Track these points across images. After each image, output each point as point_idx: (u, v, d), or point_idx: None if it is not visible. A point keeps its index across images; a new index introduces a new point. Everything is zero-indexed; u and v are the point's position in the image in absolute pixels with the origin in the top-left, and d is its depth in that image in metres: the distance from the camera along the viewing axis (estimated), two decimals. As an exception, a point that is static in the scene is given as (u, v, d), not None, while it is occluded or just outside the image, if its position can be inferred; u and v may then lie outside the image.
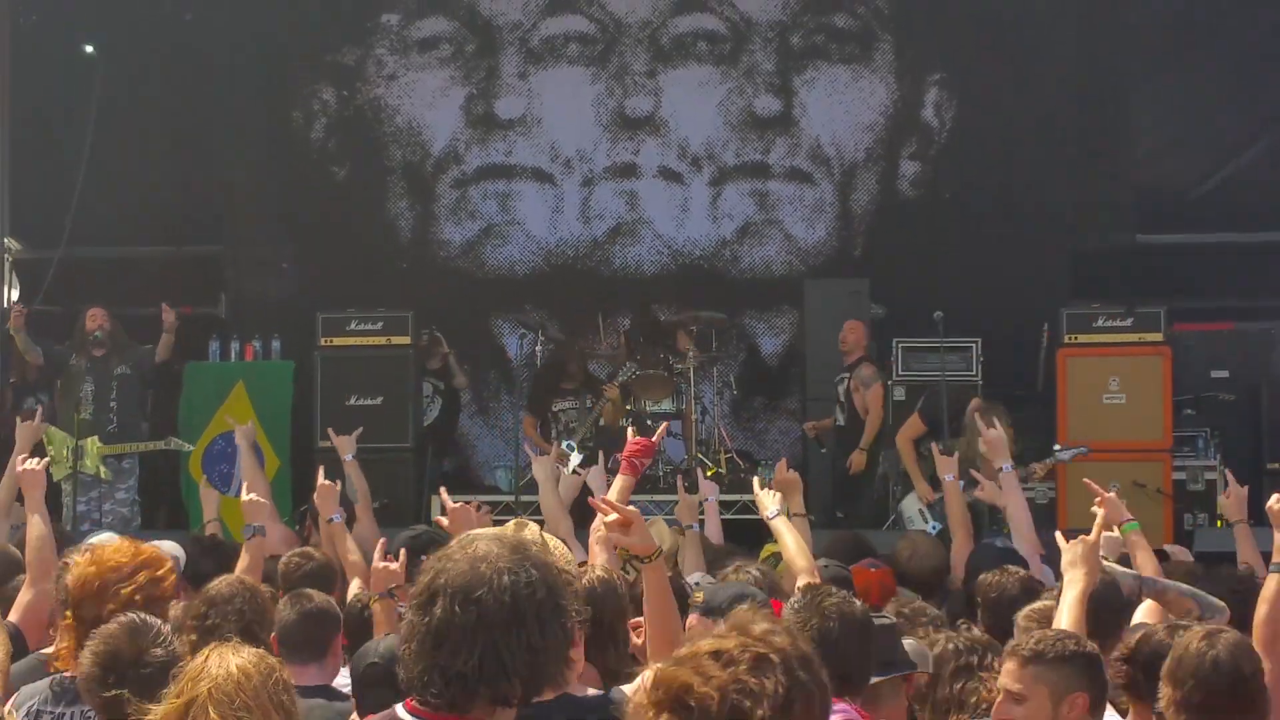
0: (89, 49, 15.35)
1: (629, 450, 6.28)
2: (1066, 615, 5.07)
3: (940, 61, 15.92)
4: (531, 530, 5.50)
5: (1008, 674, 4.34)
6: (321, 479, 8.01)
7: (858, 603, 4.82)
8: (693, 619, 5.10)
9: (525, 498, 13.23)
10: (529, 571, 3.23)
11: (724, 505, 13.01)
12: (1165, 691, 4.36)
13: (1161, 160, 15.74)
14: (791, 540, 6.47)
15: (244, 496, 7.65)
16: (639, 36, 16.09)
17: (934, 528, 11.48)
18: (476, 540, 3.30)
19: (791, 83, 16.03)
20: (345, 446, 10.16)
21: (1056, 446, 12.48)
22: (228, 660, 3.85)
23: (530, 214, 16.22)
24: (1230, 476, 7.82)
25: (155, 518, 13.84)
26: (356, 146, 16.25)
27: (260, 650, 4.04)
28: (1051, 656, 4.29)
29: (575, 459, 12.58)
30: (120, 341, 13.43)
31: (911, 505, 12.29)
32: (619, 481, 6.25)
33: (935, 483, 11.89)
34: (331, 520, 7.78)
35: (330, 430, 10.80)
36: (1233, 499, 7.65)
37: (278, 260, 15.77)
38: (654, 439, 6.57)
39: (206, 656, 3.90)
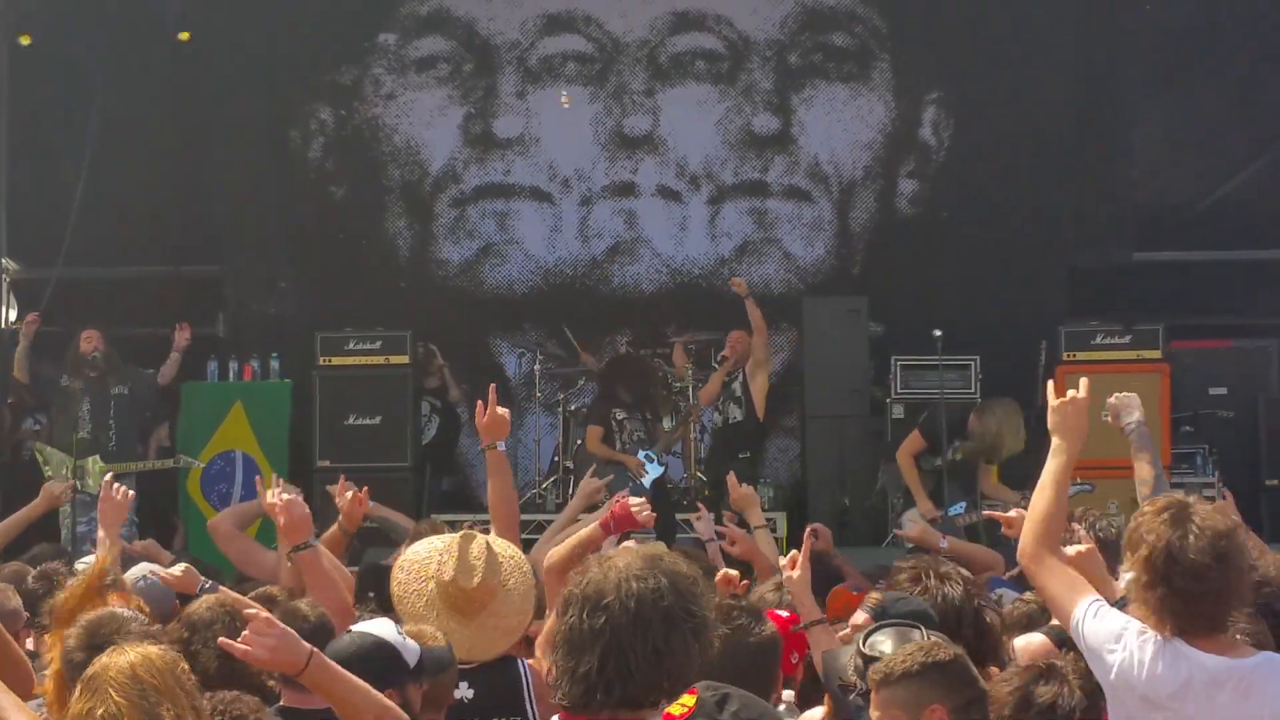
0: (87, 69, 15.32)
1: (617, 511, 6.10)
2: (1047, 491, 4.94)
3: (938, 80, 15.94)
4: (478, 542, 5.54)
5: (872, 703, 4.25)
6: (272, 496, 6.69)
7: None
8: (864, 619, 5.07)
9: (525, 516, 13.22)
10: (658, 579, 3.36)
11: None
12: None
13: (1159, 178, 15.76)
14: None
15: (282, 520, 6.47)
16: (637, 55, 16.10)
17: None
18: (615, 555, 3.47)
19: (789, 101, 16.04)
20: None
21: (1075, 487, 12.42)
22: (128, 653, 4.00)
23: (529, 233, 16.21)
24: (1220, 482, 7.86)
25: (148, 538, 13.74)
26: (355, 166, 16.24)
27: (164, 646, 4.18)
28: (899, 675, 4.15)
29: (654, 470, 12.62)
30: (115, 363, 13.37)
31: (911, 521, 12.26)
32: (589, 532, 6.04)
33: (937, 499, 11.93)
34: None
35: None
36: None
37: (276, 280, 15.76)
38: (643, 518, 6.20)
39: (109, 653, 4.03)
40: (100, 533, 7.07)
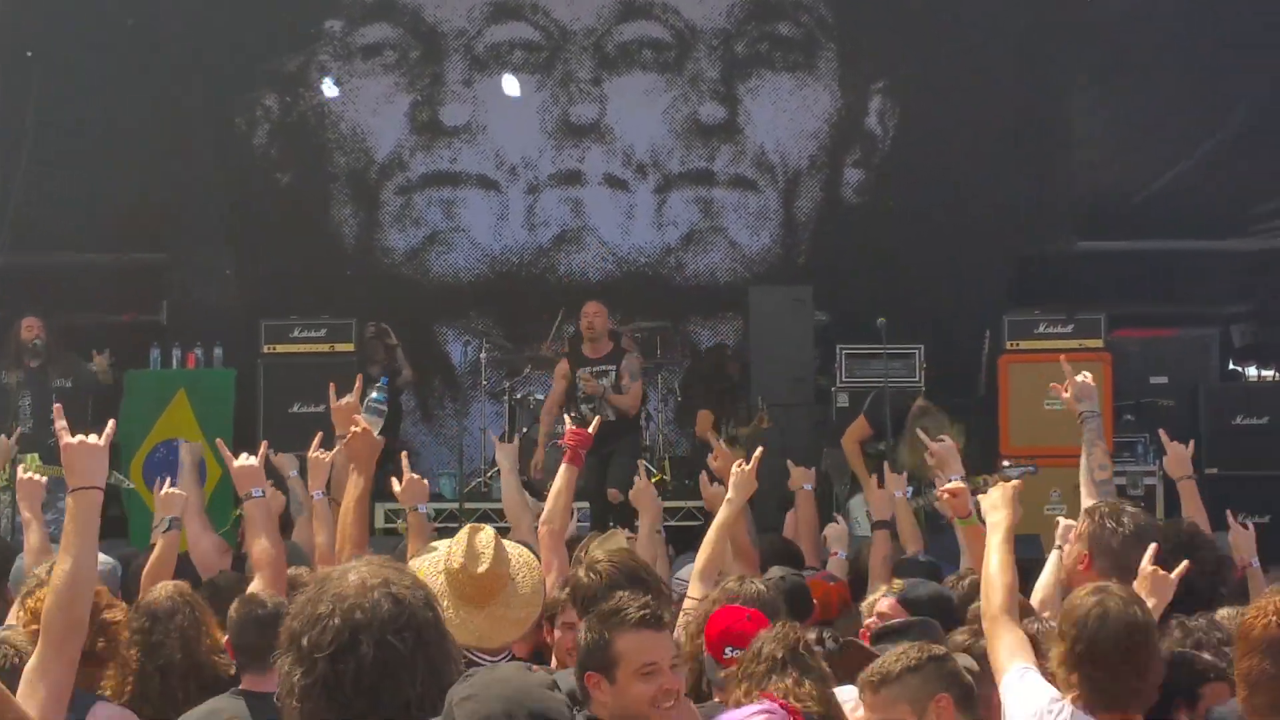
0: (28, 54, 15.21)
1: (569, 440, 6.64)
2: (995, 558, 5.04)
3: (883, 69, 16.00)
4: (486, 533, 5.55)
5: (866, 707, 4.35)
6: (236, 461, 7.03)
7: None
8: (889, 604, 5.29)
9: (470, 505, 13.24)
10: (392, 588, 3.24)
11: (669, 512, 13.07)
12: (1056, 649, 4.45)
13: (1102, 167, 15.86)
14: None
15: (163, 490, 7.34)
16: (584, 44, 16.10)
17: None
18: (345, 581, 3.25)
19: (736, 90, 16.08)
20: (288, 465, 9.89)
21: (1005, 463, 12.51)
22: None
23: (475, 221, 16.20)
24: (1164, 436, 7.85)
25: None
26: (300, 153, 16.19)
27: None
28: (899, 672, 4.28)
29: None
30: (56, 354, 13.25)
31: (859, 507, 12.31)
32: (563, 472, 6.59)
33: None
34: (251, 496, 6.81)
35: (270, 451, 10.13)
36: (1173, 457, 7.70)
37: (220, 267, 15.67)
38: (590, 430, 7.01)
39: None
40: (25, 514, 7.07)
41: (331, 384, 7.45)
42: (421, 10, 16.14)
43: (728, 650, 5.04)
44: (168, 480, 7.55)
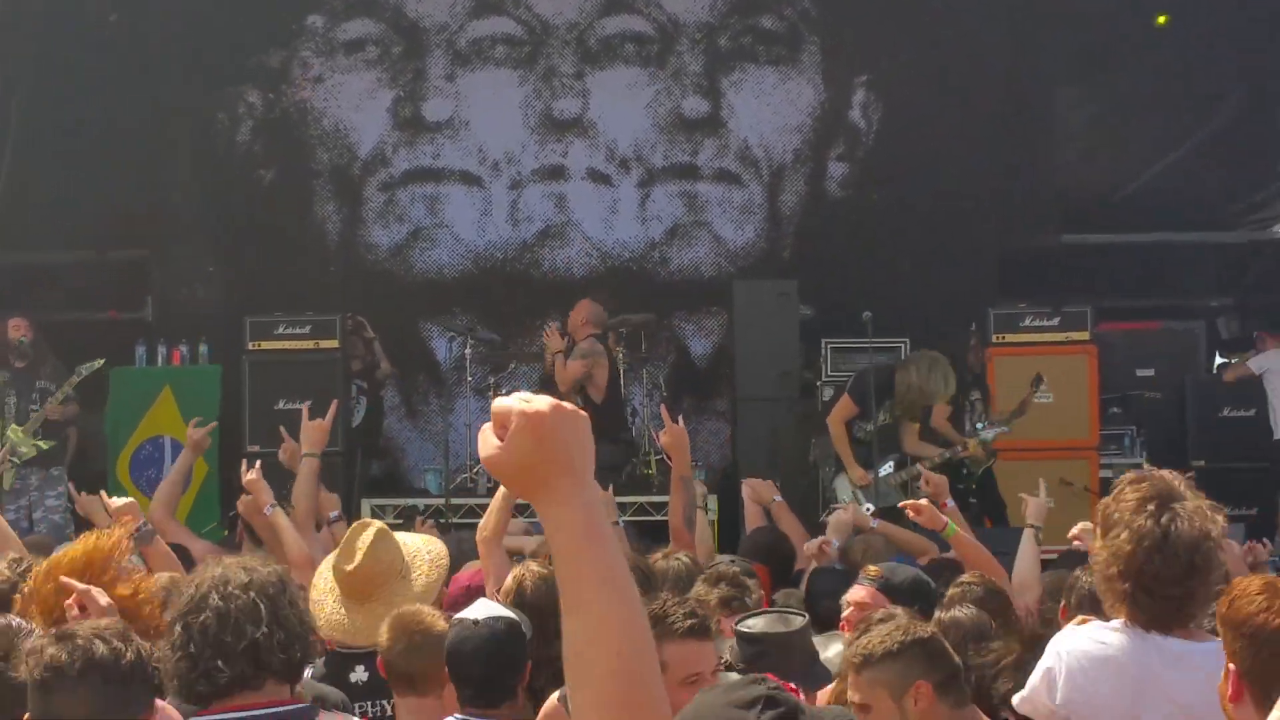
0: (10, 51, 15.15)
1: None
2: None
3: (867, 63, 15.99)
4: (369, 530, 5.63)
5: (850, 685, 4.30)
6: (248, 474, 7.82)
7: None
8: (865, 592, 5.18)
9: (455, 501, 13.21)
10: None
11: (654, 506, 13.08)
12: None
13: (1087, 161, 15.87)
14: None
15: (118, 501, 7.16)
16: (566, 38, 16.06)
17: (867, 509, 11.55)
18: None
19: (719, 84, 16.05)
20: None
21: (979, 425, 12.54)
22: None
23: (458, 217, 16.16)
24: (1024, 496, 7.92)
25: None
26: (283, 149, 16.14)
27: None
28: (880, 655, 4.20)
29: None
30: (43, 354, 13.20)
31: (844, 488, 12.34)
32: (501, 490, 6.56)
33: (867, 465, 11.98)
34: (267, 512, 7.55)
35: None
36: (1030, 508, 7.77)
37: (204, 264, 15.65)
38: None
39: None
40: None
41: (305, 405, 7.95)
42: (403, 5, 16.10)
43: None
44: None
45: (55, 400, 12.80)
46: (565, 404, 2.24)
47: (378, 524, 5.86)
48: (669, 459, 7.94)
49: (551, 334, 13.61)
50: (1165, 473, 4.50)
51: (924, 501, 7.02)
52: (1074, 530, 6.70)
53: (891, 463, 12.20)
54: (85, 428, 13.84)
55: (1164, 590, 4.25)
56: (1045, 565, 8.76)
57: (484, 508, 12.87)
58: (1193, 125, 15.43)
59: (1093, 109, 15.78)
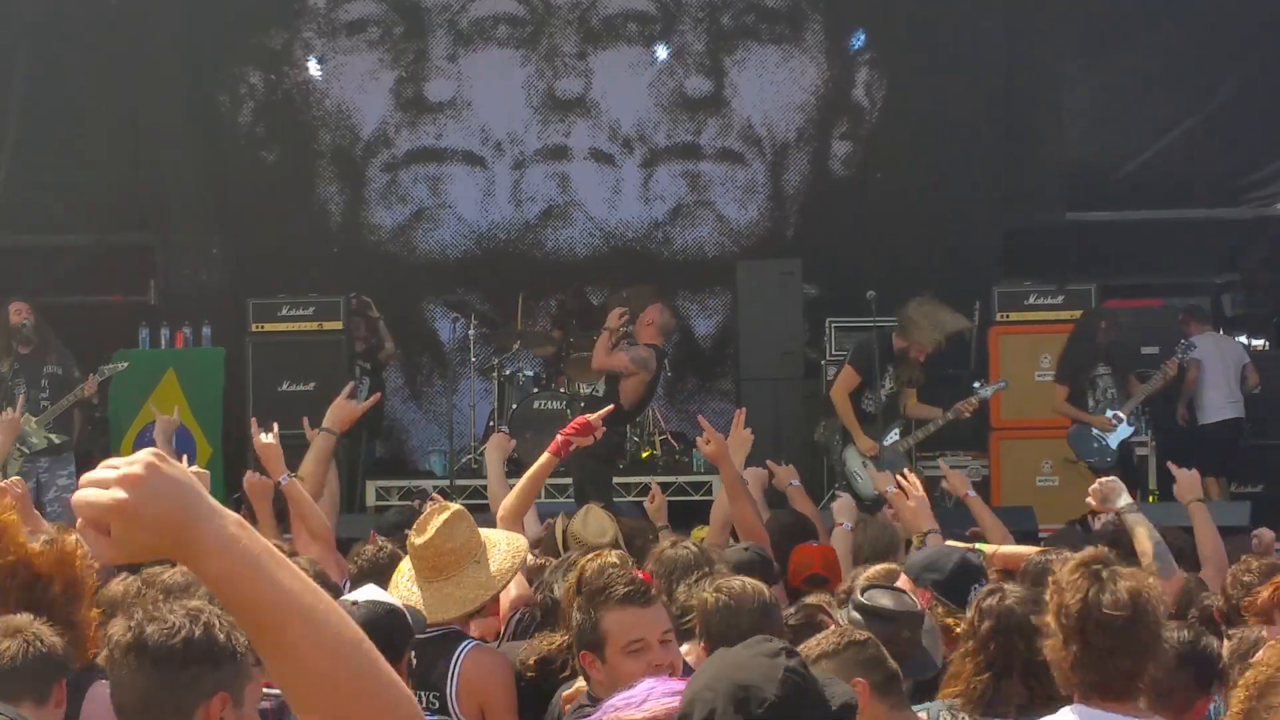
0: (12, 33, 15.12)
1: (568, 428, 6.61)
2: None
3: (870, 41, 15.94)
4: (447, 512, 5.57)
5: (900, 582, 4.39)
6: (261, 438, 7.43)
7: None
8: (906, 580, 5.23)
9: (460, 482, 13.21)
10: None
11: (660, 486, 13.07)
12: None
13: (1091, 139, 15.83)
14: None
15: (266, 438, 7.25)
16: (568, 18, 16.02)
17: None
18: None
19: (722, 63, 16.01)
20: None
21: (976, 384, 12.52)
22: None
23: (461, 197, 16.14)
24: (1173, 466, 7.82)
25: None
26: (285, 130, 16.12)
27: None
28: (817, 657, 4.19)
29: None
30: (47, 338, 13.14)
31: (854, 459, 12.35)
32: (541, 461, 6.56)
33: (875, 434, 12.02)
34: (282, 482, 7.26)
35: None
36: (1182, 483, 7.67)
37: (207, 246, 15.64)
38: (594, 418, 6.83)
39: None
40: None
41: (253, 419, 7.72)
42: (405, -15, 16.06)
43: None
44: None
45: (80, 396, 12.80)
46: (158, 455, 2.05)
47: (456, 506, 5.81)
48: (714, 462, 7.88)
49: (616, 315, 13.40)
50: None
51: (916, 494, 7.07)
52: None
53: (897, 430, 12.23)
54: (89, 411, 13.82)
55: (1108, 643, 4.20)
56: (1040, 542, 8.77)
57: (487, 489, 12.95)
58: (1196, 102, 15.39)
59: (1096, 86, 15.74)
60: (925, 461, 13.08)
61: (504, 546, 5.76)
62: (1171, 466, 7.74)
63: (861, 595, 4.87)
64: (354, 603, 4.73)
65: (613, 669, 4.17)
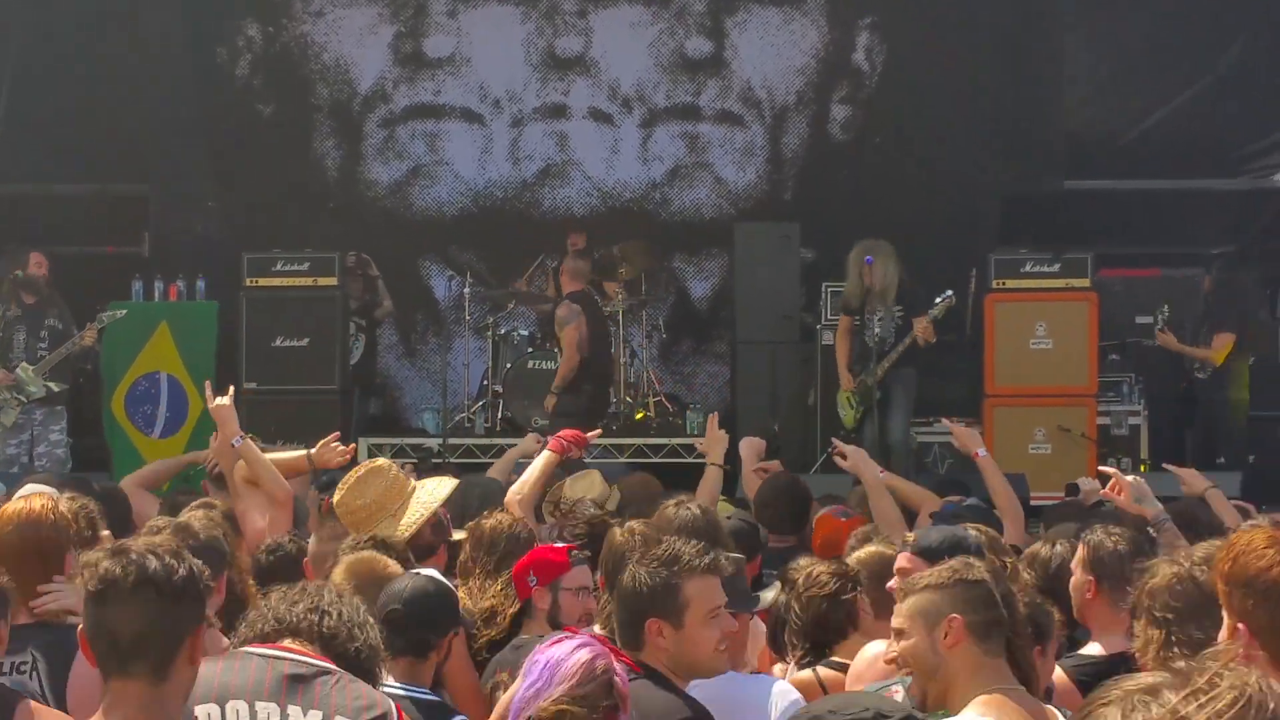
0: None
1: (567, 433, 6.93)
2: None
3: (871, 5, 15.87)
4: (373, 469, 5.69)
5: (894, 613, 4.35)
6: (216, 400, 7.24)
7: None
8: (904, 558, 5.20)
9: (453, 440, 13.19)
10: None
11: (653, 448, 13.08)
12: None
13: (1090, 106, 15.80)
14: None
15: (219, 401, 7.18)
16: (569, -25, 15.95)
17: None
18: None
19: (723, 24, 15.95)
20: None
21: (938, 299, 12.48)
22: None
23: (459, 154, 16.09)
24: (1172, 468, 7.83)
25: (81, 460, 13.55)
26: (282, 84, 16.05)
27: None
28: (922, 586, 4.24)
29: None
30: (53, 292, 13.15)
31: (842, 398, 12.51)
32: (544, 456, 6.83)
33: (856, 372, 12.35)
34: (235, 443, 7.05)
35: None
36: (1188, 480, 7.68)
37: (202, 199, 15.58)
38: (590, 436, 7.39)
39: None
40: None
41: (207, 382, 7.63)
42: (405, -60, 15.97)
43: (530, 579, 5.38)
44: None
45: (79, 345, 12.76)
46: None
47: (378, 461, 5.89)
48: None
49: (548, 284, 13.68)
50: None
51: (851, 451, 7.41)
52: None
53: (880, 316, 12.33)
54: (80, 363, 13.80)
55: None
56: (1038, 511, 8.78)
57: (482, 448, 13.01)
58: (1197, 72, 15.34)
59: (1098, 54, 15.69)
60: (921, 427, 13.10)
61: (422, 498, 5.85)
62: (1170, 468, 7.79)
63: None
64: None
65: (689, 636, 4.30)
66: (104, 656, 3.27)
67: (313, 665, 3.82)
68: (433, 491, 5.98)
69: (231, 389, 7.48)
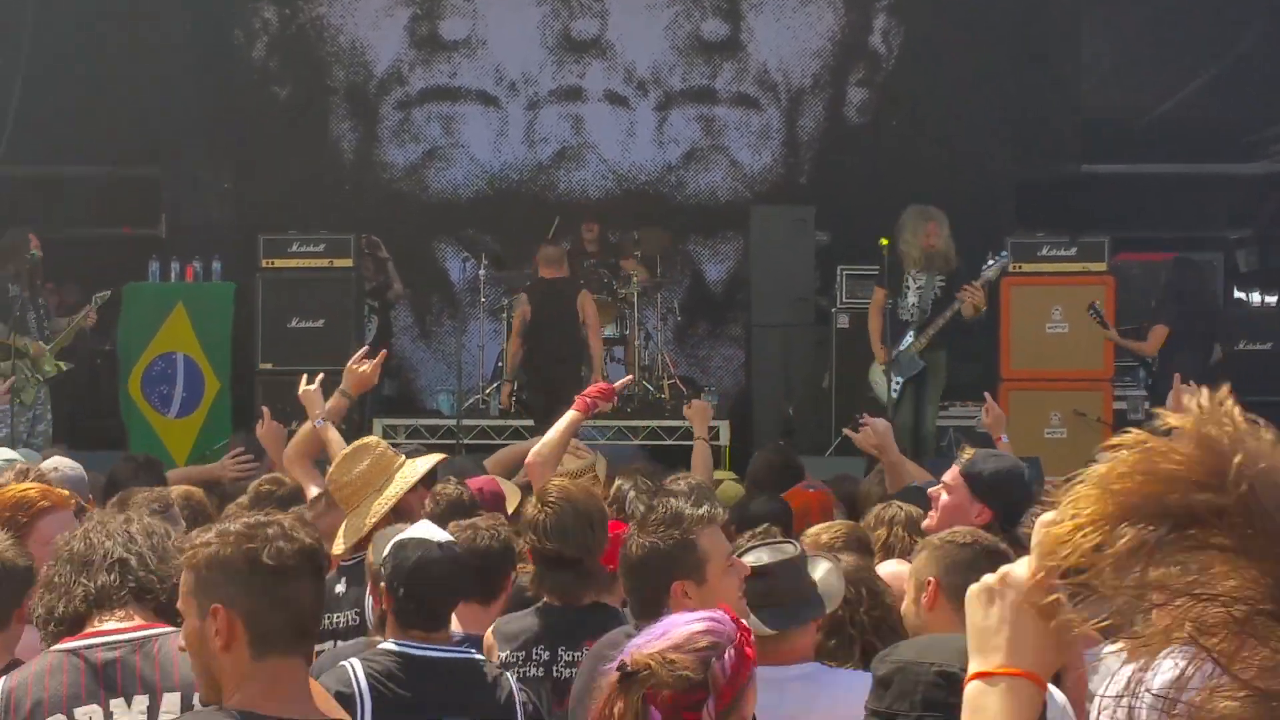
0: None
1: (591, 389, 6.87)
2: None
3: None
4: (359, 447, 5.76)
5: (948, 475, 4.62)
6: (306, 385, 7.34)
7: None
8: (951, 473, 5.41)
9: (467, 421, 13.20)
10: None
11: (666, 431, 13.08)
12: None
13: (1107, 90, 15.75)
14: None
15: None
16: (585, -42, 15.94)
17: (897, 384, 12.09)
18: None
19: (739, 7, 15.94)
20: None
21: (990, 262, 12.41)
22: None
23: (474, 137, 16.09)
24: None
25: (81, 438, 13.45)
26: (298, 66, 16.06)
27: None
28: (921, 548, 4.32)
29: None
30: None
31: (876, 372, 12.41)
32: (567, 415, 6.70)
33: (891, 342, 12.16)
34: (318, 425, 7.12)
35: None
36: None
37: (218, 181, 15.58)
38: (618, 385, 7.22)
39: None
40: None
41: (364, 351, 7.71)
42: (421, -78, 15.97)
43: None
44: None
45: (74, 326, 12.77)
46: None
47: (368, 439, 5.99)
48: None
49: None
50: None
51: (865, 427, 7.41)
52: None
53: (910, 335, 12.21)
54: (98, 343, 13.82)
55: None
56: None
57: (496, 429, 13.00)
58: (1213, 56, 15.30)
59: (1115, 38, 15.65)
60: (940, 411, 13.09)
61: (406, 472, 5.89)
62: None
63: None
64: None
65: (713, 590, 4.11)
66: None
67: (128, 640, 3.64)
68: (417, 467, 6.03)
69: (321, 377, 7.44)
